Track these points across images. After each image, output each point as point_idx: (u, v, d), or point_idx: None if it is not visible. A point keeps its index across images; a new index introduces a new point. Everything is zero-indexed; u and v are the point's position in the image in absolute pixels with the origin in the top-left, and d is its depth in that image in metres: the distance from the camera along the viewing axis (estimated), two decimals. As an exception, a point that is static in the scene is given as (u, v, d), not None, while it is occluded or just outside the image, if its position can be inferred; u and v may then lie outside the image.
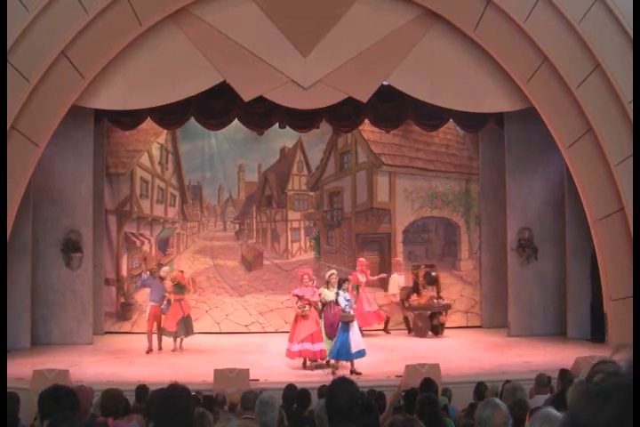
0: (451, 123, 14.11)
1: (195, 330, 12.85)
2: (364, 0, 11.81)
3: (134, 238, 14.63)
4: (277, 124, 13.72)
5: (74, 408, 3.48)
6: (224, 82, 12.01)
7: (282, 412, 5.02)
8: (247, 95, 12.06)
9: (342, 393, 2.91)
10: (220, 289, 14.68)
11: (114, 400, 4.89)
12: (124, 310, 14.45)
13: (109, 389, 5.15)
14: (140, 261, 14.64)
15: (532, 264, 13.89)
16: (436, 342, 13.24)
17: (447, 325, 14.00)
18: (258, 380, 9.51)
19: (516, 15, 11.55)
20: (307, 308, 10.88)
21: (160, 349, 12.53)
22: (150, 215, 14.71)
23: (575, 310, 13.36)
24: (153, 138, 14.63)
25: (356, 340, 10.54)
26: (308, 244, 15.05)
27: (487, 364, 11.19)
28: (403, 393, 6.63)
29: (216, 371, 9.11)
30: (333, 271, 11.39)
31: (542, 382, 7.26)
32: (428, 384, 6.19)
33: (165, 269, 13.27)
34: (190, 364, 11.30)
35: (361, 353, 10.56)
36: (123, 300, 14.49)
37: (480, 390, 7.38)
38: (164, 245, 14.76)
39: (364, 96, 12.25)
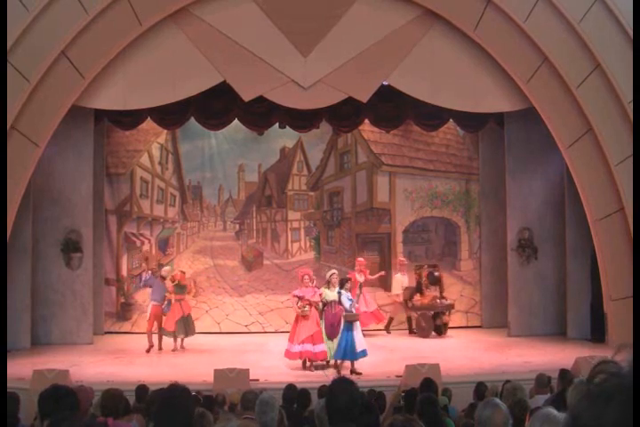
0: (451, 123, 14.10)
1: (195, 330, 12.86)
2: (363, 0, 11.81)
3: (134, 238, 14.63)
4: (277, 124, 13.71)
5: (74, 408, 3.48)
6: (224, 82, 12.01)
7: (282, 412, 5.01)
8: (247, 95, 12.06)
9: (342, 393, 2.91)
10: (220, 289, 14.67)
11: (114, 400, 4.89)
12: (124, 310, 14.44)
13: (109, 389, 5.15)
14: (141, 261, 14.64)
15: (531, 264, 13.88)
16: (436, 342, 13.23)
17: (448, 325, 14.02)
18: (258, 380, 9.51)
19: (516, 15, 11.55)
20: (307, 308, 10.87)
21: (160, 349, 12.53)
22: (150, 215, 14.71)
23: (575, 310, 13.35)
24: (153, 138, 14.62)
25: (359, 339, 10.57)
26: (308, 244, 15.04)
27: (487, 364, 11.19)
28: (403, 393, 6.63)
29: (216, 371, 9.11)
30: (334, 271, 11.37)
31: (542, 382, 7.26)
32: (428, 384, 6.19)
33: (167, 268, 13.30)
34: (190, 364, 11.30)
35: (364, 353, 10.59)
36: (123, 300, 14.49)
37: (480, 390, 7.38)
38: (163, 245, 14.75)
39: (364, 96, 12.25)
